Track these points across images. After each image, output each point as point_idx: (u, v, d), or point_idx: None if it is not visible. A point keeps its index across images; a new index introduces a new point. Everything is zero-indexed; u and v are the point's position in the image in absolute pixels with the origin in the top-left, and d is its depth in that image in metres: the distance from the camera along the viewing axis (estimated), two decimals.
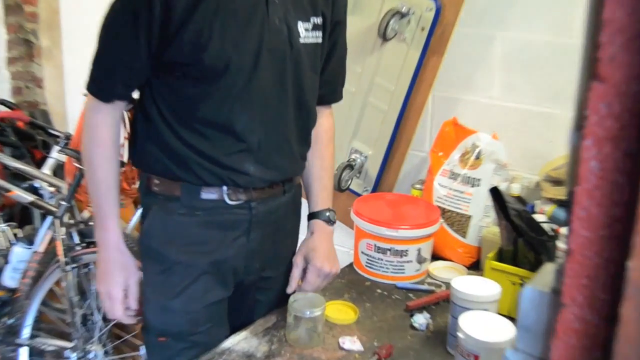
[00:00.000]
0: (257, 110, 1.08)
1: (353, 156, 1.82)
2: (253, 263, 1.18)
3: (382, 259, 1.44)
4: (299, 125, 1.17)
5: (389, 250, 1.43)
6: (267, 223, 1.17)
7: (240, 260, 1.15)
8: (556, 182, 1.53)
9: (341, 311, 1.27)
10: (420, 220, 1.45)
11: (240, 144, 1.08)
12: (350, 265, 1.54)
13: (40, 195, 1.90)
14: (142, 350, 1.15)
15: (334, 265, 1.23)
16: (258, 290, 1.24)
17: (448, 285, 1.37)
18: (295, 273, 1.23)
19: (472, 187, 1.53)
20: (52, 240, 1.87)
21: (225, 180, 1.09)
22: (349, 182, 1.82)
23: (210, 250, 1.12)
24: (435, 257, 1.55)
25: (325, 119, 1.31)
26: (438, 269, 1.51)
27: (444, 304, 1.34)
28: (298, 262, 1.25)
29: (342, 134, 1.85)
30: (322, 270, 1.21)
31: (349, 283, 1.44)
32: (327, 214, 1.25)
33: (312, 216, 1.26)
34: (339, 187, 1.79)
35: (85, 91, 1.07)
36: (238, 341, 1.16)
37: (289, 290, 1.23)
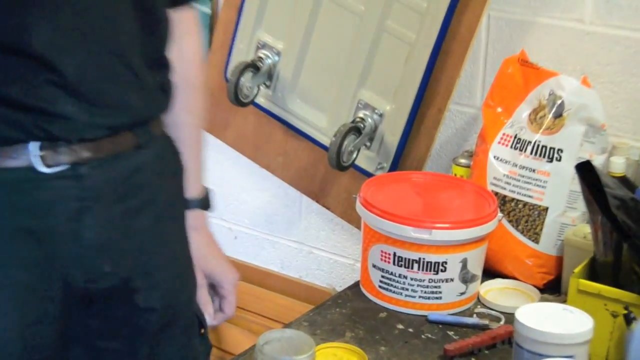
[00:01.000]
0: (67, 17, 1.08)
1: (361, 114, 1.82)
2: (98, 265, 1.17)
3: (405, 277, 1.44)
4: (144, 36, 1.17)
5: (417, 262, 1.44)
6: (115, 199, 1.16)
7: (71, 262, 1.15)
8: None
9: (341, 359, 1.30)
10: (467, 215, 1.47)
11: (45, 70, 1.08)
12: (356, 285, 1.55)
13: None
14: None
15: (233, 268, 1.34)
16: (137, 326, 1.23)
17: (510, 317, 1.34)
18: (205, 297, 1.31)
19: (550, 161, 1.54)
20: None
21: (31, 131, 1.09)
22: (354, 155, 1.83)
23: (19, 250, 1.12)
24: (490, 273, 1.57)
25: (186, 37, 1.30)
26: (494, 291, 1.54)
27: (503, 347, 1.35)
28: (200, 280, 1.32)
29: (344, 79, 1.86)
30: (236, 280, 1.30)
31: (353, 314, 1.45)
32: (206, 194, 1.33)
33: (186, 204, 1.31)
34: (338, 163, 1.79)
35: None
36: None
37: (214, 320, 1.31)
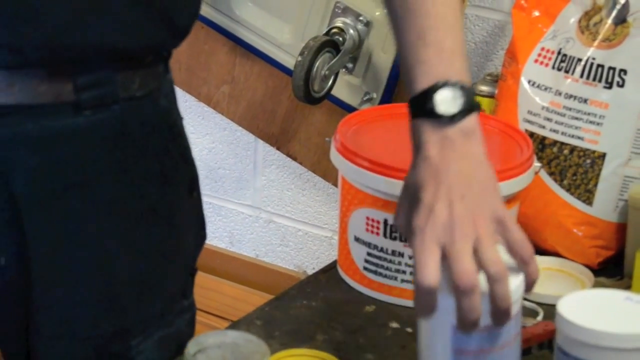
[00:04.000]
0: None
1: (339, 22, 1.86)
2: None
3: (402, 255, 1.46)
4: None
5: None
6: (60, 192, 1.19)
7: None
8: None
9: None
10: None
11: None
12: (332, 267, 1.57)
13: None
14: None
15: None
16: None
17: (551, 310, 1.33)
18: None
19: (609, 87, 1.55)
20: None
21: None
22: (330, 82, 1.86)
23: None
24: None
25: None
26: None
27: (540, 353, 1.36)
28: None
29: None
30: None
31: (327, 308, 1.48)
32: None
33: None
34: (307, 93, 1.82)
35: None
36: None
37: None
